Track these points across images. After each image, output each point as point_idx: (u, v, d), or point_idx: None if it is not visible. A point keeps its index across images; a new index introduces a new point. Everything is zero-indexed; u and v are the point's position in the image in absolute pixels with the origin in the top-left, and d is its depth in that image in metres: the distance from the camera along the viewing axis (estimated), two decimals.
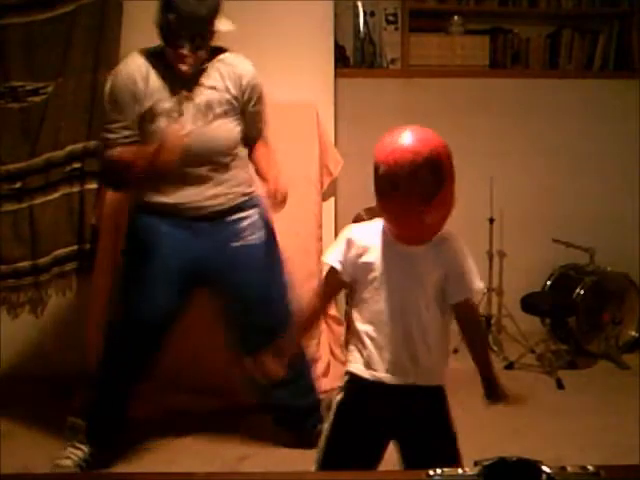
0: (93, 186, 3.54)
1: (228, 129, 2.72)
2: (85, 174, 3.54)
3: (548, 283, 4.11)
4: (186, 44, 2.55)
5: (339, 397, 1.95)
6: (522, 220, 4.21)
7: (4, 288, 3.56)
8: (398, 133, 1.83)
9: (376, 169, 1.81)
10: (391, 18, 4.15)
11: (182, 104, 2.65)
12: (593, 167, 4.33)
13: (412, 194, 1.76)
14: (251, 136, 2.82)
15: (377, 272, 1.87)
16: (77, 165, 3.53)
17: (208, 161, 2.70)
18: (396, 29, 4.16)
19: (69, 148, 3.52)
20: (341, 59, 4.08)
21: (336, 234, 3.67)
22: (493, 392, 1.96)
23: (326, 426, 1.96)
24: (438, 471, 1.31)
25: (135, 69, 2.66)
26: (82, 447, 2.78)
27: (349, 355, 1.95)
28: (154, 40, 3.58)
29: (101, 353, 2.86)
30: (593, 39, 4.31)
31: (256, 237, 2.80)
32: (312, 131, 3.52)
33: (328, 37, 3.69)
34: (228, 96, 2.70)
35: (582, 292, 3.85)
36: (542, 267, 4.17)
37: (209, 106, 2.67)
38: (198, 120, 2.65)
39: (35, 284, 3.58)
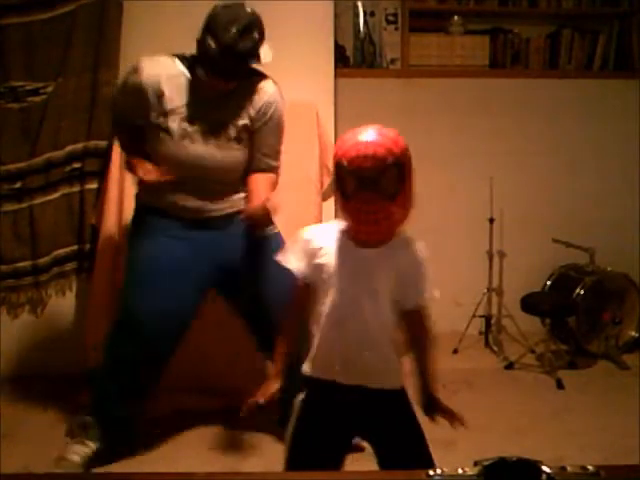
0: (93, 186, 3.54)
1: (242, 154, 2.70)
2: (85, 174, 3.54)
3: (548, 283, 4.11)
4: (221, 74, 2.53)
5: (301, 395, 1.94)
6: (522, 220, 4.21)
7: (4, 288, 3.56)
8: (363, 130, 1.84)
9: (339, 165, 1.80)
10: (391, 18, 4.15)
11: (202, 123, 2.63)
12: (593, 167, 4.33)
13: (378, 190, 1.76)
14: (254, 164, 2.75)
15: (330, 273, 1.86)
16: (77, 165, 3.54)
17: (218, 182, 2.70)
18: (396, 29, 4.16)
19: (69, 148, 3.52)
20: (341, 59, 4.08)
21: None
22: (432, 406, 1.93)
23: (290, 424, 1.95)
24: (438, 471, 1.32)
25: (161, 69, 2.66)
26: (90, 444, 2.78)
27: (306, 354, 1.94)
28: (154, 40, 3.60)
29: (107, 350, 2.85)
30: (593, 39, 4.31)
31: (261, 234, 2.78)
32: (312, 131, 3.52)
33: (328, 37, 3.69)
34: (247, 119, 2.68)
35: (582, 292, 3.85)
36: (542, 267, 4.17)
37: (227, 130, 2.65)
38: (211, 139, 2.64)
39: (35, 284, 3.58)
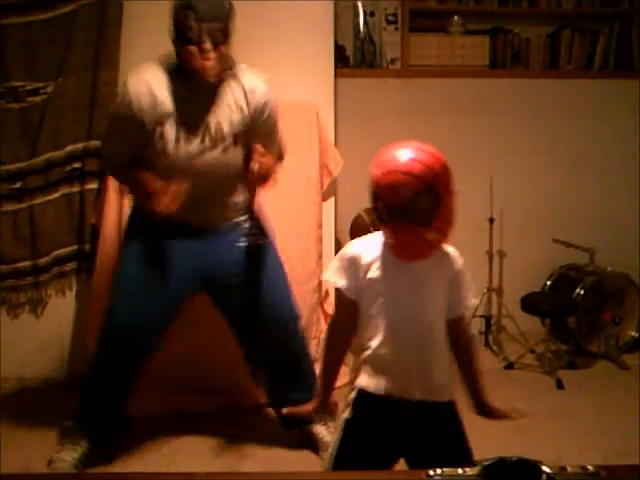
0: (93, 186, 3.54)
1: (238, 154, 2.67)
2: (85, 174, 3.54)
3: (548, 283, 4.11)
4: (207, 39, 2.48)
5: (346, 414, 1.90)
6: (522, 220, 4.21)
7: (4, 288, 3.56)
8: (396, 152, 1.77)
9: (373, 193, 1.78)
10: (391, 18, 4.15)
11: (196, 124, 2.60)
12: (593, 167, 4.33)
13: (411, 218, 1.74)
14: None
15: (383, 288, 1.84)
16: (77, 165, 3.54)
17: (216, 185, 2.67)
18: (396, 29, 4.16)
19: (69, 148, 3.52)
20: (341, 59, 4.07)
21: (336, 234, 3.69)
22: (487, 410, 1.95)
23: (334, 443, 1.91)
24: (438, 471, 1.32)
25: (150, 79, 2.61)
26: (77, 448, 2.77)
27: (357, 371, 1.91)
28: (154, 40, 3.58)
29: (93, 351, 2.86)
30: (593, 39, 4.31)
31: (254, 240, 2.76)
32: (312, 131, 3.52)
33: (328, 37, 3.69)
34: (240, 116, 2.65)
35: (582, 292, 3.85)
36: (542, 267, 4.17)
37: (221, 128, 2.62)
38: (206, 140, 2.61)
39: (35, 284, 3.58)
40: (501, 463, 1.27)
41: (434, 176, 1.74)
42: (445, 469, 1.32)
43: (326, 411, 1.99)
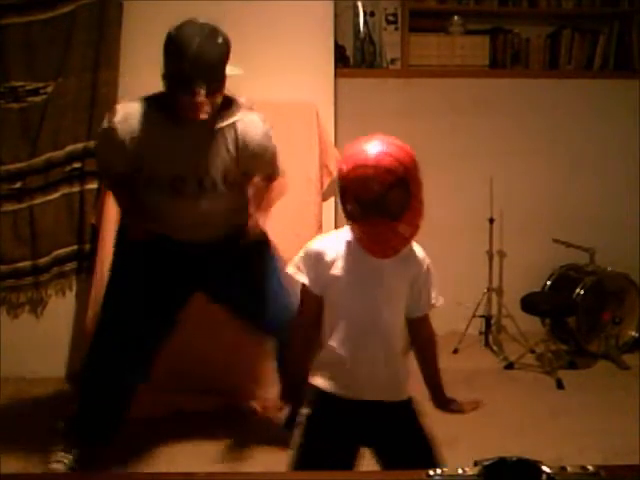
0: (93, 186, 3.55)
1: (233, 200, 2.62)
2: (85, 174, 3.54)
3: (548, 283, 4.11)
4: (200, 89, 2.36)
5: (306, 410, 1.89)
6: (522, 220, 4.21)
7: (4, 288, 3.56)
8: (363, 147, 1.74)
9: (341, 187, 1.76)
10: (391, 18, 4.15)
11: (185, 168, 2.52)
12: (593, 167, 4.33)
13: (382, 213, 1.72)
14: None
15: (345, 284, 1.83)
16: (77, 165, 3.54)
17: (208, 213, 2.61)
18: (396, 29, 4.16)
19: (69, 148, 3.52)
20: (341, 59, 4.07)
21: None
22: (447, 405, 1.94)
23: (295, 439, 1.91)
24: (438, 471, 1.32)
25: (138, 117, 2.50)
26: (73, 450, 2.76)
27: (315, 368, 1.90)
28: (154, 40, 3.58)
29: (88, 353, 2.86)
30: (593, 39, 4.31)
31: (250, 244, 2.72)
32: (312, 131, 3.52)
33: (328, 37, 3.69)
34: (231, 161, 2.57)
35: (582, 292, 3.85)
36: (542, 267, 4.17)
37: (211, 173, 2.55)
38: (202, 191, 2.54)
39: (35, 284, 3.58)
40: (501, 463, 1.27)
41: (404, 168, 1.72)
42: (445, 469, 1.32)
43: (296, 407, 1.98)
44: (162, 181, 2.53)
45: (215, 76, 2.44)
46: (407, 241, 1.81)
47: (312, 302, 1.89)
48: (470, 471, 1.28)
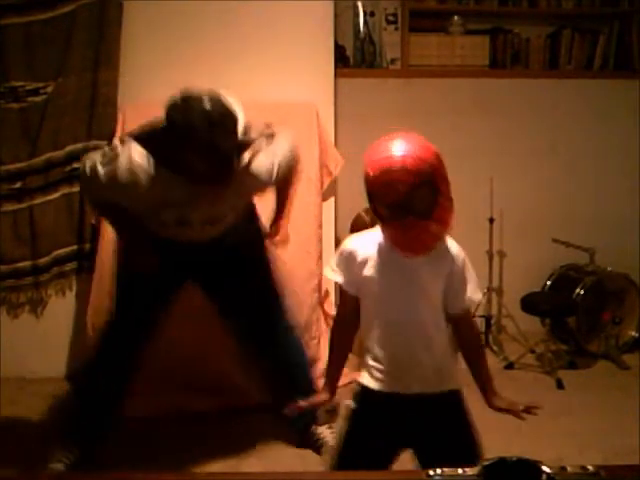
0: None
1: (240, 208, 2.64)
2: None
3: (548, 283, 4.11)
4: (213, 181, 2.27)
5: (352, 406, 1.92)
6: (522, 220, 4.21)
7: (4, 288, 3.57)
8: (386, 148, 1.73)
9: (369, 192, 1.76)
10: (391, 18, 4.15)
11: (194, 210, 2.48)
12: (593, 167, 4.33)
13: (411, 213, 1.73)
14: None
15: (380, 283, 1.85)
16: (77, 165, 3.53)
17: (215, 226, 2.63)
18: (396, 29, 4.16)
19: (69, 148, 3.52)
20: (341, 59, 4.07)
21: (336, 234, 3.69)
22: (496, 402, 1.96)
23: (339, 434, 1.93)
24: (438, 471, 1.32)
25: (140, 177, 2.35)
26: (73, 450, 2.76)
27: (360, 365, 1.94)
28: (154, 40, 3.60)
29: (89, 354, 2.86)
30: (593, 39, 4.30)
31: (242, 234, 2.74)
32: (312, 131, 3.52)
33: (328, 37, 3.69)
34: (243, 196, 2.60)
35: (582, 292, 3.85)
36: (542, 267, 4.17)
37: (224, 212, 2.56)
38: (209, 223, 2.54)
39: (35, 284, 3.58)
40: (501, 463, 1.27)
41: (429, 167, 1.73)
42: (445, 469, 1.32)
43: (332, 401, 1.99)
44: (168, 221, 2.51)
45: (231, 167, 2.30)
46: (438, 238, 1.82)
47: (349, 302, 1.92)
48: (470, 471, 1.29)
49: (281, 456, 2.88)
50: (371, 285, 1.86)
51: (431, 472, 1.31)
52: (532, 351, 3.84)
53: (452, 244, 1.89)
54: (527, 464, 1.27)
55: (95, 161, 2.41)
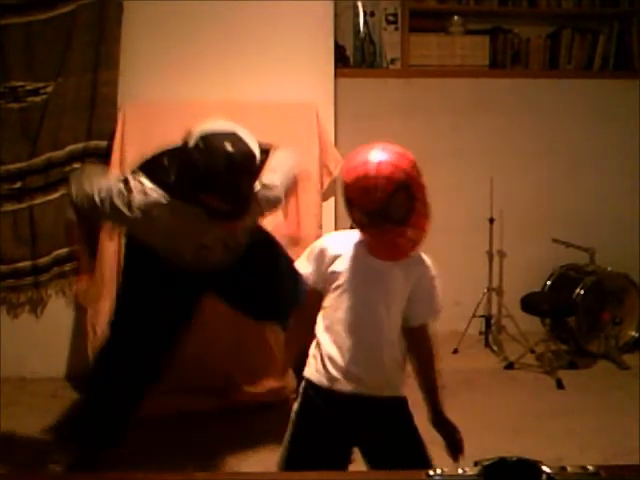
0: None
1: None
2: None
3: (548, 283, 4.11)
4: (236, 217, 2.29)
5: (297, 403, 1.93)
6: (522, 220, 4.21)
7: (4, 288, 3.56)
8: (363, 156, 1.76)
9: (346, 198, 1.79)
10: (391, 18, 4.15)
11: (211, 237, 2.50)
12: (593, 167, 4.33)
13: (388, 219, 1.75)
14: None
15: (342, 280, 1.87)
16: (77, 165, 3.53)
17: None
18: (396, 29, 4.16)
19: (69, 148, 3.52)
20: (341, 59, 4.07)
21: None
22: (440, 423, 1.92)
23: (287, 432, 1.94)
24: (438, 471, 1.31)
25: (157, 216, 2.35)
26: (73, 451, 2.76)
27: (308, 360, 1.94)
28: (154, 40, 3.59)
29: (95, 359, 2.86)
30: (593, 39, 4.31)
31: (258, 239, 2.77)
32: (312, 131, 3.52)
33: (328, 37, 3.69)
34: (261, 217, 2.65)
35: (582, 292, 3.85)
36: (542, 267, 4.17)
37: (240, 239, 2.60)
38: (223, 244, 2.55)
39: (35, 284, 3.58)
40: (501, 463, 1.27)
41: (404, 174, 1.75)
42: (445, 469, 1.32)
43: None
44: (186, 250, 2.50)
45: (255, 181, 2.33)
46: (415, 244, 1.83)
47: (311, 294, 1.95)
48: (470, 471, 1.28)
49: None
50: (334, 280, 1.88)
51: (431, 472, 1.31)
52: (532, 351, 3.84)
53: (426, 259, 1.91)
54: (527, 464, 1.27)
55: (111, 196, 2.36)
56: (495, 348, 4.04)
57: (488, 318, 4.11)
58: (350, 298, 1.86)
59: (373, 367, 1.87)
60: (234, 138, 2.21)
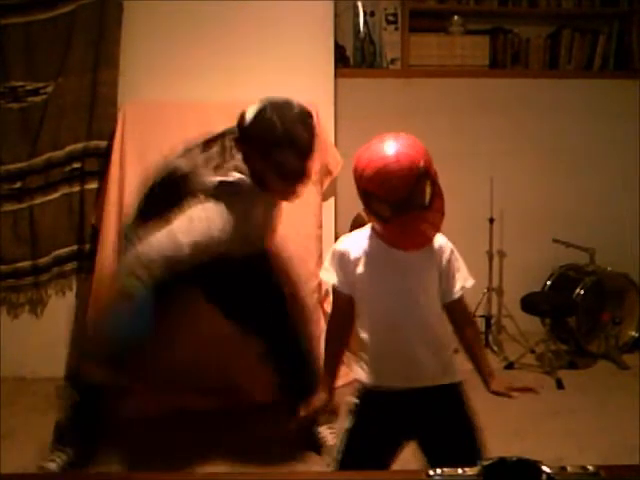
0: (93, 186, 3.54)
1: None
2: (85, 174, 3.54)
3: (548, 283, 4.11)
4: (304, 177, 2.45)
5: (354, 403, 1.94)
6: (522, 220, 4.21)
7: (4, 288, 3.57)
8: (380, 149, 1.76)
9: (366, 193, 1.79)
10: (391, 18, 4.15)
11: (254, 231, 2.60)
12: (593, 167, 4.33)
13: (414, 206, 1.77)
14: None
15: (376, 280, 1.87)
16: (77, 165, 3.54)
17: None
18: (396, 29, 4.16)
19: (69, 148, 3.52)
20: (341, 59, 4.08)
21: (336, 234, 3.69)
22: (493, 386, 1.94)
23: (342, 431, 1.95)
24: (438, 471, 1.32)
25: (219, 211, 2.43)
26: (67, 450, 2.75)
27: (356, 363, 1.95)
28: (154, 40, 3.60)
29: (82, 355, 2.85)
30: (593, 39, 4.31)
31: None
32: None
33: (328, 37, 3.69)
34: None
35: (582, 292, 3.85)
36: (542, 267, 4.17)
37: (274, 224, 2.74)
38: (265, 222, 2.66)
39: (35, 284, 3.58)
40: (501, 463, 1.27)
41: (423, 161, 1.76)
42: (445, 469, 1.32)
43: (332, 401, 2.00)
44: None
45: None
46: (438, 228, 1.87)
47: (343, 302, 1.94)
48: (470, 471, 1.29)
49: (281, 456, 2.88)
50: (366, 283, 1.88)
51: (431, 472, 1.31)
52: (532, 351, 3.84)
53: (440, 236, 1.93)
54: (527, 464, 1.27)
55: (175, 235, 2.40)
56: (495, 348, 4.04)
57: (488, 318, 4.11)
58: (381, 295, 1.87)
59: (423, 359, 1.87)
60: (287, 100, 2.43)
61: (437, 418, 1.90)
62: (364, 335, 1.90)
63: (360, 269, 1.88)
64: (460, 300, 1.94)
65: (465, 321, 1.97)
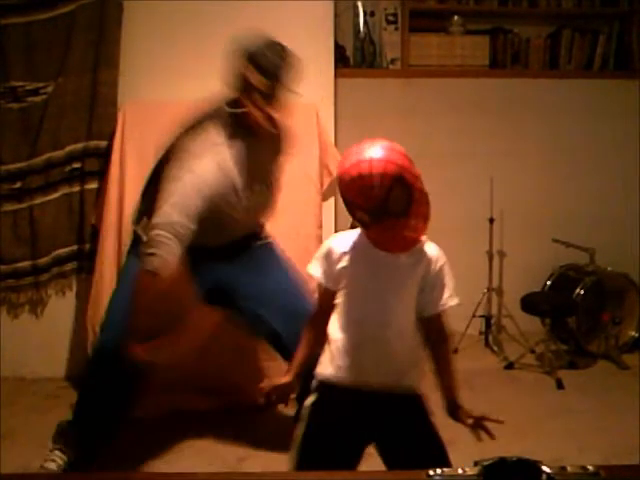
0: (93, 186, 3.54)
1: (271, 198, 2.81)
2: (85, 174, 3.54)
3: (548, 283, 4.11)
4: (278, 103, 2.67)
5: (311, 399, 1.93)
6: (522, 220, 4.21)
7: (4, 288, 3.57)
8: (355, 157, 1.79)
9: (345, 201, 1.82)
10: (391, 18, 4.15)
11: (257, 175, 2.68)
12: (593, 167, 4.33)
13: (390, 213, 1.77)
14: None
15: (353, 277, 1.88)
16: (77, 165, 3.54)
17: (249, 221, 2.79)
18: (396, 29, 4.16)
19: (69, 148, 3.52)
20: (341, 59, 4.08)
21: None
22: (456, 412, 1.90)
23: (299, 428, 1.93)
24: (438, 471, 1.32)
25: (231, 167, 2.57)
26: (68, 451, 2.74)
27: (321, 358, 1.94)
28: (154, 40, 3.59)
29: (90, 360, 2.85)
30: (593, 39, 4.31)
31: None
32: (312, 131, 3.52)
33: (328, 37, 3.69)
34: (277, 161, 2.83)
35: (582, 292, 3.85)
36: (542, 267, 4.17)
37: (274, 173, 2.80)
38: (266, 187, 2.74)
39: (35, 284, 3.58)
40: (501, 463, 1.27)
41: (396, 167, 1.76)
42: (445, 469, 1.32)
43: (292, 386, 2.00)
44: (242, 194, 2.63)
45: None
46: (421, 232, 1.85)
47: (326, 296, 1.95)
48: (470, 471, 1.29)
49: (281, 456, 2.87)
50: (345, 278, 1.89)
51: (431, 472, 1.31)
52: (532, 351, 3.85)
53: (434, 247, 1.91)
54: (527, 464, 1.27)
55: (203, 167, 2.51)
56: (495, 348, 4.04)
57: (488, 318, 4.11)
58: (359, 292, 1.88)
59: (384, 361, 1.87)
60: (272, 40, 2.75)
61: (396, 425, 1.89)
62: (333, 330, 1.91)
63: (343, 263, 1.89)
64: (439, 315, 1.91)
65: (440, 338, 1.94)
